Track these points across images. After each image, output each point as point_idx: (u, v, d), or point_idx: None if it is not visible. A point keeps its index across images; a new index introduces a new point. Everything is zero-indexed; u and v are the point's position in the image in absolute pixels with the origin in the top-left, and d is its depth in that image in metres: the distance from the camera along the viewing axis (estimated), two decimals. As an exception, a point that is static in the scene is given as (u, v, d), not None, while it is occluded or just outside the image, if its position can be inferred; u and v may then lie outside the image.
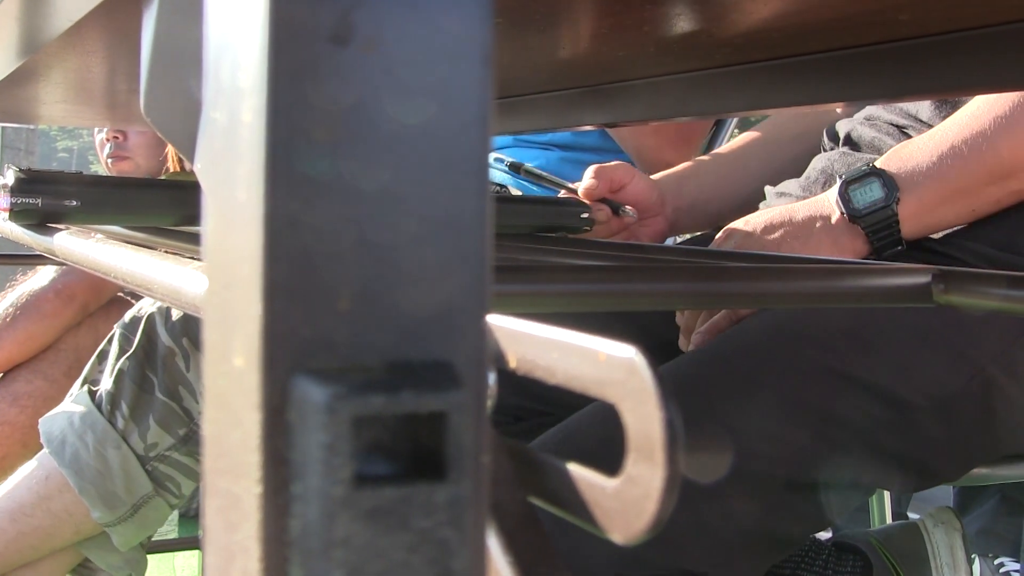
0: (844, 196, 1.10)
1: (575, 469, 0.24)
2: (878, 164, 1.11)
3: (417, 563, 0.19)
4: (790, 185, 1.36)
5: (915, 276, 0.67)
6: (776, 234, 1.12)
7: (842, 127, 1.36)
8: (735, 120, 2.30)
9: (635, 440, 0.22)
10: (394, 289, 0.19)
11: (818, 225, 1.11)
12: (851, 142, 1.33)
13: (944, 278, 0.66)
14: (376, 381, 0.18)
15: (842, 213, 1.10)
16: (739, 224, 1.14)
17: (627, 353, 0.22)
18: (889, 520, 1.86)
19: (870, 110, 1.34)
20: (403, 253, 0.19)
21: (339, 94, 0.18)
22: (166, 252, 0.61)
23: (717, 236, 1.17)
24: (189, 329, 1.53)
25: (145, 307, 1.81)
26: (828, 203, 1.12)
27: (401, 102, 0.19)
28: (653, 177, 1.48)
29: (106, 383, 1.56)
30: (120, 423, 1.52)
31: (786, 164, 1.53)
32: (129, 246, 0.64)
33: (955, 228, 1.12)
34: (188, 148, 0.44)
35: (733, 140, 1.73)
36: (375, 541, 0.18)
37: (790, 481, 1.04)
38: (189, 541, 2.13)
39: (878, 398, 1.04)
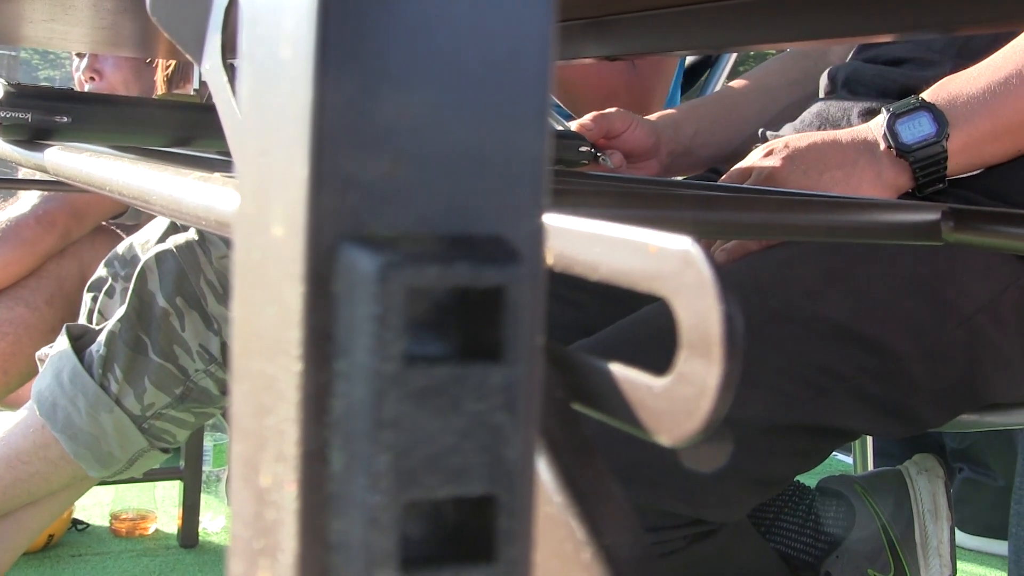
0: (892, 130, 1.06)
1: (618, 369, 0.22)
2: (926, 97, 1.07)
3: (468, 448, 0.17)
4: (786, 129, 1.35)
5: (925, 213, 0.66)
6: (818, 158, 1.08)
7: (840, 71, 1.34)
8: (730, 63, 2.28)
9: (688, 336, 0.21)
10: (449, 159, 0.18)
11: (863, 155, 1.08)
12: (849, 84, 1.31)
13: (954, 216, 0.65)
14: (430, 251, 0.17)
15: (889, 146, 1.07)
16: (777, 143, 1.11)
17: (681, 244, 0.21)
18: (871, 467, 1.87)
19: (870, 50, 1.32)
20: (461, 118, 0.18)
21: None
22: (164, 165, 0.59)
23: (755, 151, 1.14)
24: (183, 288, 1.51)
25: (136, 243, 1.78)
26: (872, 134, 1.09)
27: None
28: (650, 118, 1.46)
29: (97, 346, 1.53)
30: (114, 387, 1.50)
31: (783, 110, 1.51)
32: (123, 159, 0.62)
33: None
34: (196, 49, 0.42)
35: (730, 83, 1.71)
36: (425, 423, 0.17)
37: (780, 426, 1.03)
38: (170, 471, 2.13)
39: (866, 345, 1.03)
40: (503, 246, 0.18)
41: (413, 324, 0.17)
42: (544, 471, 0.22)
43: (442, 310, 0.18)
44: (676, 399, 0.21)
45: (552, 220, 0.25)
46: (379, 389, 0.17)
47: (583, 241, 0.23)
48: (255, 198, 0.19)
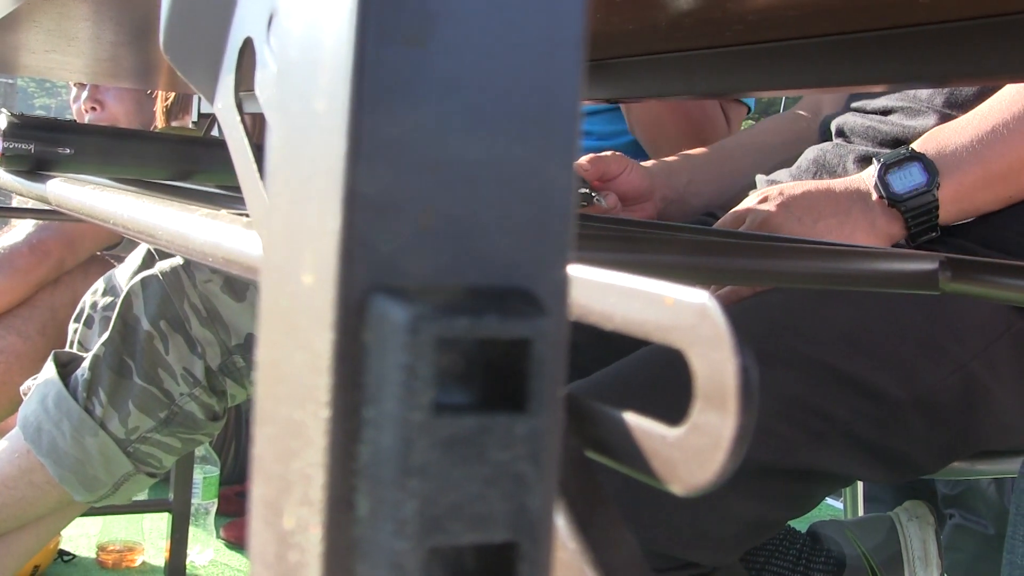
0: (883, 180, 1.08)
1: (632, 418, 0.23)
2: (916, 147, 1.09)
3: (493, 497, 0.18)
4: (781, 174, 1.36)
5: (923, 262, 0.66)
6: (812, 206, 1.09)
7: (832, 121, 1.36)
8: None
9: (704, 387, 0.21)
10: (478, 211, 0.18)
11: (856, 204, 1.09)
12: (843, 134, 1.32)
13: (952, 266, 0.66)
14: (459, 304, 0.18)
15: (881, 196, 1.08)
16: (772, 191, 1.12)
17: (698, 298, 0.21)
18: (862, 512, 1.87)
19: (859, 100, 1.34)
20: (492, 173, 0.18)
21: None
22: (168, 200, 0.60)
23: (749, 196, 1.15)
24: (167, 311, 1.51)
25: (117, 275, 1.78)
26: (865, 185, 1.10)
27: (493, 15, 0.18)
28: (645, 164, 1.48)
29: (82, 370, 1.53)
30: (98, 411, 1.50)
31: (776, 166, 1.53)
32: (128, 193, 0.63)
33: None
34: (208, 88, 0.42)
35: (724, 139, 1.74)
36: (452, 472, 0.17)
37: (774, 469, 1.04)
38: (158, 503, 2.12)
39: (861, 390, 1.04)
40: (530, 299, 0.18)
41: (440, 373, 0.18)
42: (558, 517, 0.22)
43: (468, 360, 0.18)
44: (690, 449, 0.21)
45: (570, 270, 0.25)
46: (407, 437, 0.17)
47: (600, 291, 0.24)
48: (283, 246, 0.19)
